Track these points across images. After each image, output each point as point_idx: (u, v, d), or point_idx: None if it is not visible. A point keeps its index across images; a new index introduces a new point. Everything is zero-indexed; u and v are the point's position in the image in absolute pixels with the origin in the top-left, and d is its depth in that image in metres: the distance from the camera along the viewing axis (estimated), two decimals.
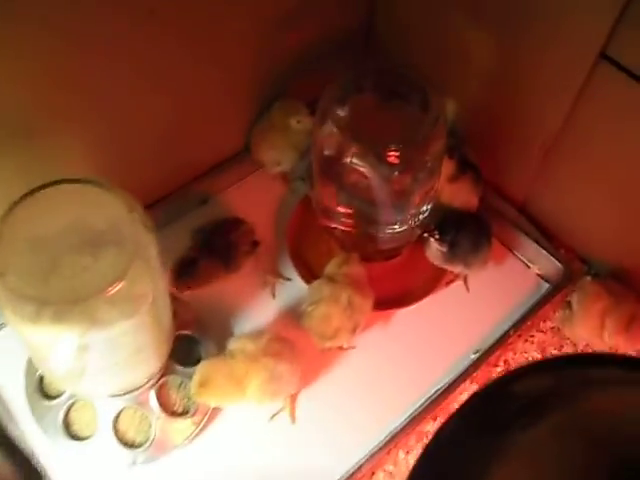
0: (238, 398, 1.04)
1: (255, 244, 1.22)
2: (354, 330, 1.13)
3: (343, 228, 1.16)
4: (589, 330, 1.17)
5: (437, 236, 1.17)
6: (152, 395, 1.10)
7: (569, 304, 1.21)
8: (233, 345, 1.06)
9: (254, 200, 1.35)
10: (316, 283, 1.14)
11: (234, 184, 1.38)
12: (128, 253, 0.79)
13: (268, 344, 1.06)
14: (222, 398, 1.04)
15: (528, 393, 0.60)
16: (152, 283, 0.83)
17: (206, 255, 1.17)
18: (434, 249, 1.19)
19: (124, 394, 1.06)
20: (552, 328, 1.25)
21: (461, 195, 1.24)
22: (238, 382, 1.02)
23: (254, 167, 1.38)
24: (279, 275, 1.27)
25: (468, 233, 1.18)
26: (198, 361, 1.14)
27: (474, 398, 0.62)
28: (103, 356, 0.89)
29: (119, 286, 0.78)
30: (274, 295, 1.25)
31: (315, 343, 1.13)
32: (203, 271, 1.16)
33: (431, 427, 1.14)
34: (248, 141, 1.35)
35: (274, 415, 1.13)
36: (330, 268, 1.14)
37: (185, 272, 1.15)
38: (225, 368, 1.02)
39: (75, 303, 0.78)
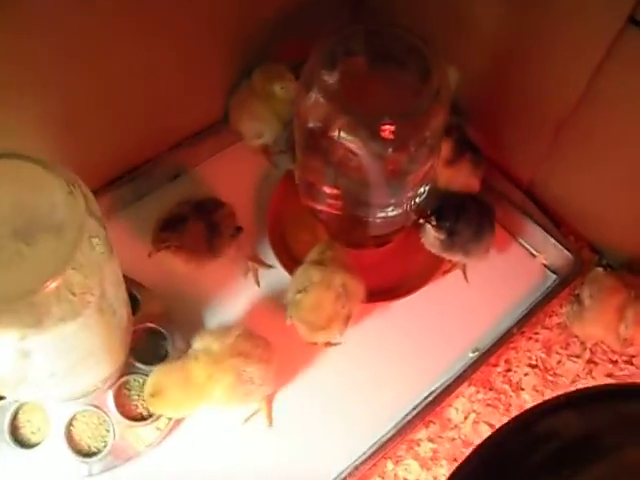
0: (197, 407, 0.91)
1: (238, 230, 1.09)
2: (347, 320, 1.01)
3: (330, 210, 1.04)
4: (603, 327, 1.05)
5: (434, 222, 1.04)
6: (110, 397, 0.98)
7: (578, 298, 1.09)
8: (197, 344, 0.94)
9: (231, 176, 1.22)
10: (302, 268, 1.02)
11: (209, 157, 1.25)
12: (68, 242, 0.65)
13: (236, 342, 0.94)
14: (177, 409, 0.92)
15: (555, 437, 0.49)
16: (98, 275, 0.70)
17: (195, 218, 1.04)
18: (431, 236, 1.06)
19: (78, 398, 0.93)
20: (559, 324, 1.13)
21: (459, 179, 1.11)
22: (197, 390, 0.90)
23: (232, 139, 1.25)
24: (260, 262, 1.14)
25: (469, 219, 1.06)
26: (164, 358, 1.02)
27: (494, 438, 0.50)
28: (48, 361, 0.76)
29: (57, 281, 0.65)
30: (258, 283, 1.13)
31: (303, 336, 1.01)
32: (188, 232, 1.03)
33: (423, 435, 1.03)
34: (227, 110, 1.22)
35: (248, 418, 1.02)
36: (312, 255, 1.02)
37: (169, 227, 1.03)
38: (181, 375, 0.90)
39: (8, 302, 0.65)
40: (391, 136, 0.88)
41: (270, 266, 1.14)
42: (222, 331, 0.95)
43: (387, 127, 0.86)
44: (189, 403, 0.91)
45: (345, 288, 0.98)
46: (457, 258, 1.10)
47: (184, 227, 1.02)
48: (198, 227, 1.03)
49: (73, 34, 0.92)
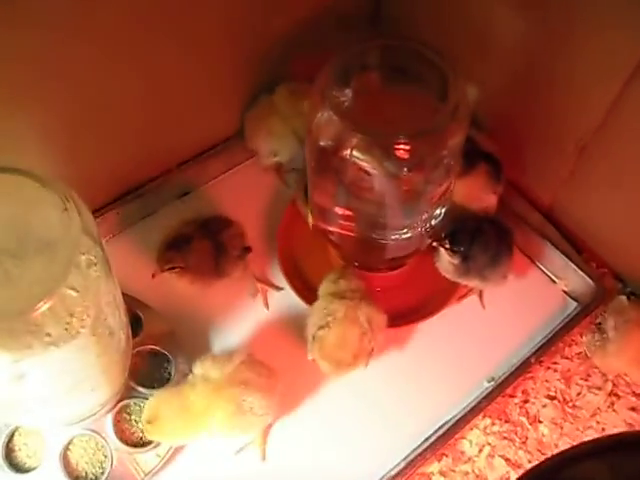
0: (196, 435, 0.87)
1: (246, 250, 1.05)
2: (371, 353, 0.97)
3: (341, 232, 0.99)
4: (627, 360, 1.00)
5: (448, 246, 1.00)
6: (109, 421, 0.94)
7: (600, 328, 1.04)
8: (197, 370, 0.90)
9: (241, 195, 1.18)
10: (322, 301, 0.98)
11: (219, 176, 1.22)
12: (61, 261, 0.62)
13: (237, 370, 0.90)
14: (174, 437, 0.88)
15: None
16: (94, 296, 0.66)
17: (201, 237, 1.01)
18: (445, 261, 1.02)
19: (75, 422, 0.89)
20: (579, 354, 1.08)
21: (473, 193, 1.06)
22: (195, 418, 0.86)
23: (243, 157, 1.22)
24: (269, 284, 1.10)
25: (485, 243, 1.01)
26: (167, 381, 0.99)
27: None
28: (42, 385, 0.72)
29: (49, 302, 0.61)
30: (267, 306, 1.10)
31: (325, 372, 0.98)
32: (194, 252, 0.99)
33: (435, 468, 0.98)
34: (242, 126, 1.19)
35: (240, 450, 0.97)
36: (327, 284, 0.98)
37: (174, 247, 1.00)
38: (179, 402, 0.86)
39: None
40: (406, 155, 0.84)
41: (280, 288, 1.10)
42: (224, 357, 0.91)
43: (402, 146, 0.82)
44: (186, 431, 0.87)
45: (370, 322, 0.95)
46: (473, 284, 1.06)
47: (189, 247, 0.99)
48: (204, 246, 1.00)
49: (77, 46, 0.89)
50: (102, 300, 0.69)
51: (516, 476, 0.98)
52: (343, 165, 0.86)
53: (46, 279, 0.61)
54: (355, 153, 0.83)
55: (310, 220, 1.05)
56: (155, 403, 0.86)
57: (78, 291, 0.64)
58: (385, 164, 0.84)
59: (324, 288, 0.98)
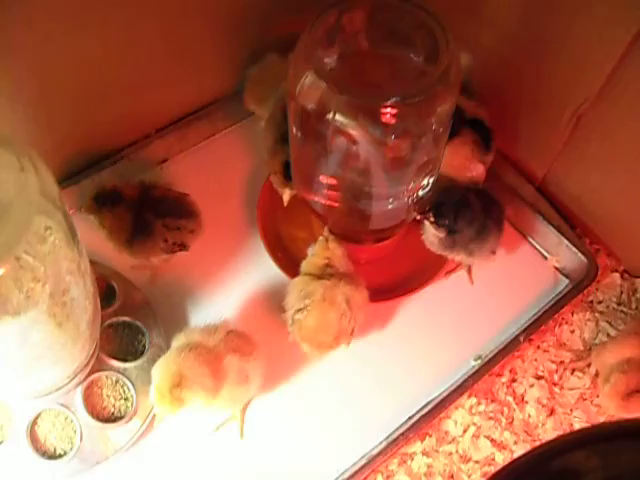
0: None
1: (181, 247, 0.99)
2: (353, 331, 0.93)
3: (326, 202, 0.95)
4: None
5: (432, 219, 0.95)
6: (78, 395, 0.90)
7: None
8: (181, 340, 0.85)
9: (223, 163, 1.14)
10: (299, 280, 0.93)
11: (201, 142, 1.17)
12: (15, 225, 0.57)
13: (227, 339, 0.86)
14: (204, 399, 0.82)
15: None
16: (53, 264, 0.62)
17: (130, 206, 0.96)
18: (430, 234, 0.98)
19: (42, 395, 0.85)
20: (572, 332, 1.04)
21: (456, 161, 1.01)
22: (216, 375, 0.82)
23: (226, 123, 1.18)
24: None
25: (471, 216, 0.96)
26: (141, 354, 0.94)
27: (506, 472, 0.42)
28: (1, 357, 0.68)
29: (2, 269, 0.57)
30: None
31: (306, 352, 0.94)
32: (112, 216, 0.95)
33: (418, 448, 0.94)
34: (224, 92, 1.15)
35: (219, 426, 0.94)
36: (309, 265, 0.94)
37: (99, 199, 0.96)
38: (200, 359, 0.81)
39: None
40: (392, 121, 0.79)
41: None
42: (210, 328, 0.87)
43: (389, 110, 0.78)
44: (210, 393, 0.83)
45: (349, 302, 0.90)
46: (459, 258, 1.02)
47: (111, 208, 0.95)
48: (122, 217, 0.95)
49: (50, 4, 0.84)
50: (63, 268, 0.65)
51: (502, 457, 0.95)
52: (327, 131, 0.82)
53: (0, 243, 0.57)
54: (339, 117, 0.79)
55: (286, 196, 1.01)
56: (175, 362, 0.81)
57: (35, 258, 0.59)
58: (370, 129, 0.80)
59: (304, 268, 0.94)
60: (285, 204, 1.02)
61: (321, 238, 0.93)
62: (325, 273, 0.92)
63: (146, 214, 0.95)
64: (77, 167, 1.06)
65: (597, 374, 0.98)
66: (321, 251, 0.93)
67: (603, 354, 0.97)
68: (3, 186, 0.58)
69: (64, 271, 0.65)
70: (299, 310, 0.91)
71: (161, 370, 0.81)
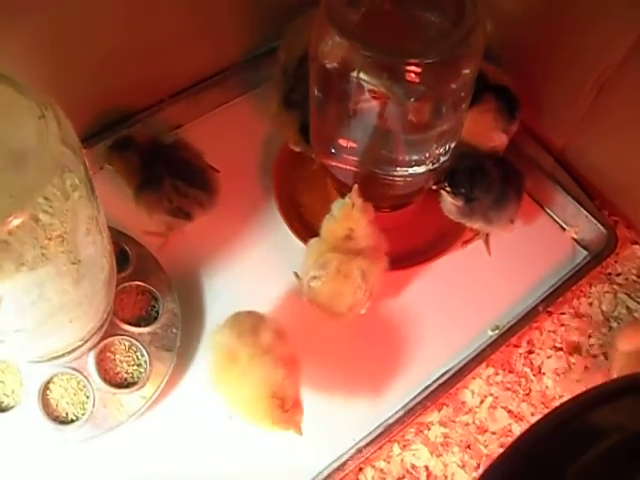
0: None
1: (187, 216, 0.98)
2: (368, 299, 0.92)
3: (344, 167, 0.93)
4: None
5: (448, 188, 0.93)
6: (91, 360, 0.89)
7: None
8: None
9: (238, 129, 1.13)
10: (316, 247, 0.91)
11: (215, 108, 1.15)
12: (35, 174, 0.56)
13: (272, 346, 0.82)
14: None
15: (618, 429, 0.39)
16: (73, 217, 0.60)
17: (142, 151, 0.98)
18: (448, 202, 0.96)
19: (54, 358, 0.84)
20: (590, 304, 1.03)
21: (477, 129, 0.98)
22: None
23: (241, 90, 1.16)
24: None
25: (488, 183, 0.95)
26: (155, 320, 0.93)
27: (539, 429, 0.41)
28: (13, 312, 0.66)
29: (19, 219, 0.55)
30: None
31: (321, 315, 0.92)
32: (124, 160, 0.98)
33: (435, 418, 0.93)
34: (240, 58, 1.13)
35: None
36: (328, 231, 0.90)
37: (115, 145, 0.99)
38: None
39: None
40: (416, 80, 0.77)
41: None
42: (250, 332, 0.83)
43: (412, 68, 0.76)
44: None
45: (365, 276, 0.88)
46: (477, 226, 1.00)
47: (121, 152, 0.98)
48: (134, 160, 0.97)
49: None
50: (83, 223, 0.63)
51: (519, 428, 0.94)
52: (350, 90, 0.80)
53: (17, 193, 0.55)
54: (362, 75, 0.77)
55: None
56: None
57: (54, 210, 0.58)
58: (393, 88, 0.78)
59: (325, 224, 0.91)
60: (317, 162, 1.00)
61: (347, 200, 0.88)
62: (342, 246, 0.89)
63: (159, 169, 0.94)
64: (91, 130, 1.04)
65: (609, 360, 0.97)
66: (343, 218, 0.88)
67: (618, 341, 0.95)
68: (23, 132, 0.57)
69: (84, 227, 0.63)
70: (314, 278, 0.89)
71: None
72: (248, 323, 0.83)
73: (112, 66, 0.98)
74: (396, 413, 0.91)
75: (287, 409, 0.79)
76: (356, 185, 0.88)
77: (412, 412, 0.91)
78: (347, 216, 0.88)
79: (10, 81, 0.60)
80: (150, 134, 0.99)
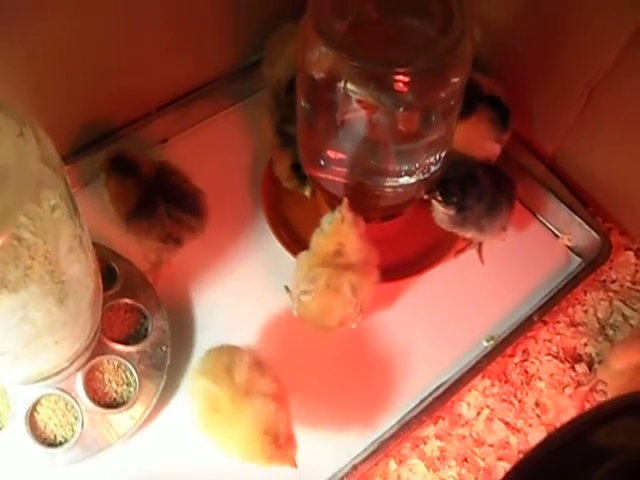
0: None
1: (176, 242, 0.96)
2: (359, 313, 0.90)
3: (334, 178, 0.92)
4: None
5: (439, 197, 0.92)
6: (79, 380, 0.87)
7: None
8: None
9: (227, 141, 1.11)
10: (306, 260, 0.89)
11: (203, 121, 1.14)
12: (14, 193, 0.54)
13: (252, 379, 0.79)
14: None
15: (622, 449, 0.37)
16: (54, 236, 0.58)
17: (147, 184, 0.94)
18: (440, 211, 0.95)
19: (41, 380, 0.82)
20: (585, 311, 1.02)
21: (471, 139, 0.98)
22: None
23: (229, 101, 1.15)
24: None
25: (480, 192, 0.94)
26: (144, 338, 0.91)
27: (546, 448, 0.39)
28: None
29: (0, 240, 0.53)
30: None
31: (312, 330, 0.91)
32: (122, 184, 0.95)
33: (431, 432, 0.92)
34: (226, 70, 1.12)
35: None
36: (318, 245, 0.89)
37: (115, 163, 0.96)
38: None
39: None
40: (404, 89, 0.76)
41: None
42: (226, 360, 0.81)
43: (400, 78, 0.75)
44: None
45: (355, 290, 0.87)
46: (470, 235, 0.99)
47: (123, 176, 0.95)
48: (133, 190, 0.94)
49: None
50: (65, 242, 0.62)
51: (516, 440, 0.92)
52: (337, 101, 0.79)
53: None
54: (350, 86, 0.76)
55: (307, 193, 1.00)
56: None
57: (35, 229, 0.56)
58: (381, 98, 0.77)
59: (315, 238, 0.90)
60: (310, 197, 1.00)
61: (337, 214, 0.87)
62: (332, 261, 0.87)
63: (154, 196, 0.92)
64: (76, 146, 1.03)
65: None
66: (333, 232, 0.87)
67: (611, 360, 0.93)
68: (1, 151, 0.55)
69: (66, 245, 0.62)
70: (304, 292, 0.88)
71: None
72: (222, 364, 0.80)
73: (96, 81, 0.97)
74: (391, 428, 0.89)
75: (281, 444, 0.77)
76: (346, 199, 0.87)
77: (408, 426, 0.89)
78: (337, 230, 0.87)
79: None
80: (155, 162, 0.96)
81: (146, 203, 0.92)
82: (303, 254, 0.90)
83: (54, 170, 0.58)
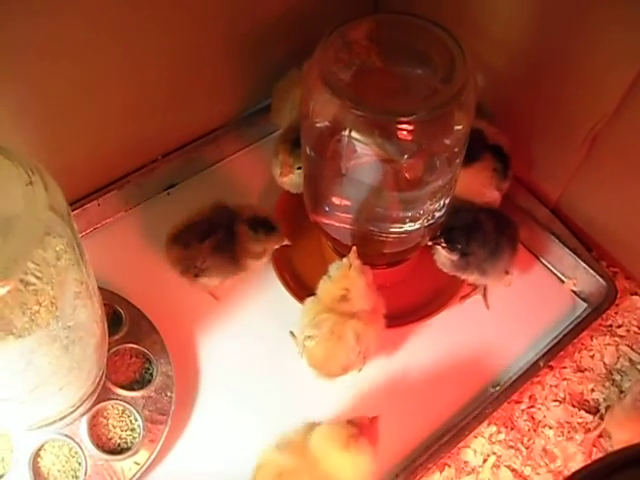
0: None
1: (196, 274, 0.97)
2: (365, 360, 0.90)
3: (338, 225, 0.93)
4: None
5: (444, 244, 0.93)
6: (83, 426, 0.87)
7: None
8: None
9: (233, 186, 1.12)
10: (312, 306, 0.90)
11: (208, 168, 1.15)
12: (22, 241, 0.55)
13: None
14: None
15: None
16: (61, 283, 0.59)
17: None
18: (442, 256, 0.95)
19: (45, 425, 0.82)
20: (592, 357, 1.01)
21: (473, 187, 0.98)
22: None
23: (234, 148, 1.17)
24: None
25: (483, 236, 0.94)
26: (149, 383, 0.91)
27: None
28: (4, 381, 0.65)
29: (7, 287, 0.54)
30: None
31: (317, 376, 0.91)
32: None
33: (437, 479, 0.90)
34: (231, 116, 1.14)
35: None
36: (324, 291, 0.89)
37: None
38: None
39: None
40: (408, 137, 0.77)
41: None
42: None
43: (405, 127, 0.76)
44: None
45: (359, 338, 0.87)
46: (472, 278, 0.99)
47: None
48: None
49: (59, 25, 0.84)
50: (72, 288, 0.62)
51: None
52: (341, 148, 0.80)
53: (5, 259, 0.54)
54: (354, 134, 0.77)
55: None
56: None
57: (42, 276, 0.57)
58: (386, 146, 0.78)
59: (322, 285, 0.90)
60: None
61: (344, 261, 0.88)
62: (338, 307, 0.87)
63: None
64: (83, 191, 1.04)
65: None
66: (340, 278, 0.88)
67: (612, 430, 0.93)
68: (11, 199, 0.56)
69: (73, 292, 0.62)
70: (309, 337, 0.88)
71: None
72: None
73: (101, 127, 0.99)
74: (397, 477, 0.88)
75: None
76: (354, 247, 0.88)
77: (413, 474, 0.88)
78: (344, 276, 0.87)
79: None
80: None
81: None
82: (309, 300, 0.90)
83: (62, 218, 0.59)
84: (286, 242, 0.97)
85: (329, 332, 0.86)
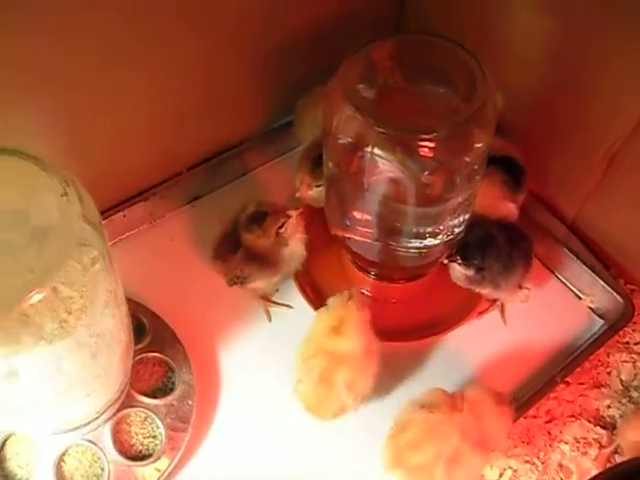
0: None
1: (233, 281, 0.99)
2: (359, 401, 0.90)
3: (359, 239, 0.94)
4: None
5: (460, 261, 0.94)
6: (107, 432, 0.88)
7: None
8: None
9: (256, 199, 1.13)
10: (306, 346, 0.90)
11: (231, 182, 1.18)
12: (57, 250, 0.57)
13: None
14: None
15: None
16: (92, 291, 0.61)
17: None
18: (457, 270, 0.97)
19: (69, 430, 0.84)
20: (608, 373, 1.02)
21: (484, 200, 0.97)
22: None
23: (257, 162, 1.19)
24: (271, 301, 1.05)
25: (497, 250, 0.95)
26: (171, 391, 0.93)
27: None
28: (32, 387, 0.67)
29: (40, 294, 0.56)
30: (269, 318, 1.04)
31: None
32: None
33: None
34: (255, 131, 1.16)
35: None
36: (319, 321, 0.90)
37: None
38: None
39: None
40: (430, 154, 0.79)
41: (289, 306, 1.05)
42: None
43: (426, 144, 0.78)
44: None
45: (350, 386, 0.87)
46: (485, 292, 1.00)
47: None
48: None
49: (83, 44, 0.86)
50: (102, 296, 0.64)
51: None
52: (363, 164, 0.82)
53: (40, 269, 0.56)
54: (376, 151, 0.79)
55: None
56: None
57: (73, 284, 0.59)
58: (407, 163, 0.80)
59: (318, 315, 0.91)
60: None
61: (345, 292, 0.89)
62: (328, 345, 0.87)
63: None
64: (109, 203, 1.06)
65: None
66: (337, 307, 0.88)
67: (627, 432, 0.94)
68: (46, 210, 0.58)
69: (102, 300, 0.64)
70: (300, 381, 0.89)
71: None
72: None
73: (128, 140, 1.01)
74: None
75: None
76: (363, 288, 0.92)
77: None
78: (341, 305, 0.88)
79: (33, 158, 0.62)
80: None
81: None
82: (305, 339, 0.90)
83: (94, 227, 0.61)
84: (289, 213, 0.96)
85: (317, 380, 0.86)
